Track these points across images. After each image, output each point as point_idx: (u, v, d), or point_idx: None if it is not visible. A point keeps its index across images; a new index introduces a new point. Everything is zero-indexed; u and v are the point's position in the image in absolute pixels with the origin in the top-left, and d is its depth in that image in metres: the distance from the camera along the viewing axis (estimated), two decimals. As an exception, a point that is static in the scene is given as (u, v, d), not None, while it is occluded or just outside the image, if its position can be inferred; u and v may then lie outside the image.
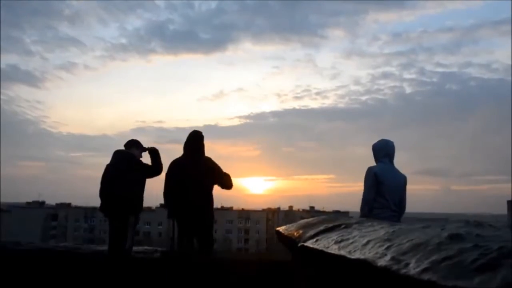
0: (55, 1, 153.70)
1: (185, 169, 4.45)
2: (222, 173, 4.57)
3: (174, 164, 4.58)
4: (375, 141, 4.07)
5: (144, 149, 4.78)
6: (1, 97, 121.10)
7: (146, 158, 4.80)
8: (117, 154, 4.68)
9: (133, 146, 4.75)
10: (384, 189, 3.73)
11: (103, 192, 4.59)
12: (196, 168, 4.45)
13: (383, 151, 3.90)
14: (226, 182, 4.56)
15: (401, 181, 3.89)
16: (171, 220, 4.65)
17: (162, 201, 4.65)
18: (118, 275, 4.39)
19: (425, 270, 1.01)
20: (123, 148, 4.79)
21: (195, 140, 4.60)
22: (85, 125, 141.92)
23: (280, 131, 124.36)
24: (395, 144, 4.00)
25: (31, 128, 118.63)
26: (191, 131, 4.71)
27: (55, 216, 71.53)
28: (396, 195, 3.80)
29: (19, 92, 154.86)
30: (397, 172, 3.90)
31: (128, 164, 4.56)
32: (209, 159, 4.61)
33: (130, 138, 4.85)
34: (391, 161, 3.90)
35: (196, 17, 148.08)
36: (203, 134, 4.71)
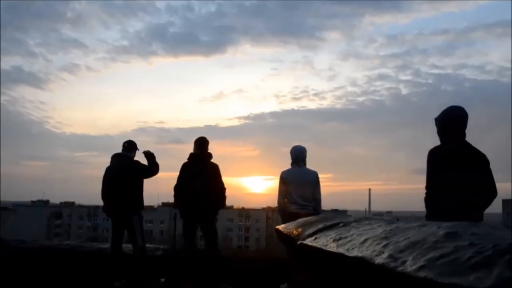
0: (58, 4, 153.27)
1: (194, 166, 4.87)
2: (219, 176, 4.93)
3: (186, 164, 4.96)
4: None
5: (137, 149, 4.90)
6: (7, 98, 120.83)
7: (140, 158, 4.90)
8: (117, 158, 4.75)
9: (134, 148, 4.85)
10: (290, 188, 4.51)
11: (105, 195, 4.68)
12: (202, 166, 4.85)
13: (293, 155, 4.64)
14: (219, 184, 4.91)
15: (310, 179, 4.60)
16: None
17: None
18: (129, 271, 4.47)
19: (421, 268, 1.01)
20: (121, 148, 4.86)
21: (201, 143, 4.99)
22: (88, 126, 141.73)
23: (278, 131, 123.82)
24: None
25: (35, 128, 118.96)
26: (198, 137, 5.07)
27: (59, 214, 71.91)
28: (304, 191, 4.51)
29: (23, 93, 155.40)
30: (305, 172, 4.62)
31: (129, 168, 4.65)
32: (214, 163, 4.97)
33: (129, 139, 4.90)
34: (299, 164, 4.61)
35: (196, 19, 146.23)
36: (204, 134, 5.13)
